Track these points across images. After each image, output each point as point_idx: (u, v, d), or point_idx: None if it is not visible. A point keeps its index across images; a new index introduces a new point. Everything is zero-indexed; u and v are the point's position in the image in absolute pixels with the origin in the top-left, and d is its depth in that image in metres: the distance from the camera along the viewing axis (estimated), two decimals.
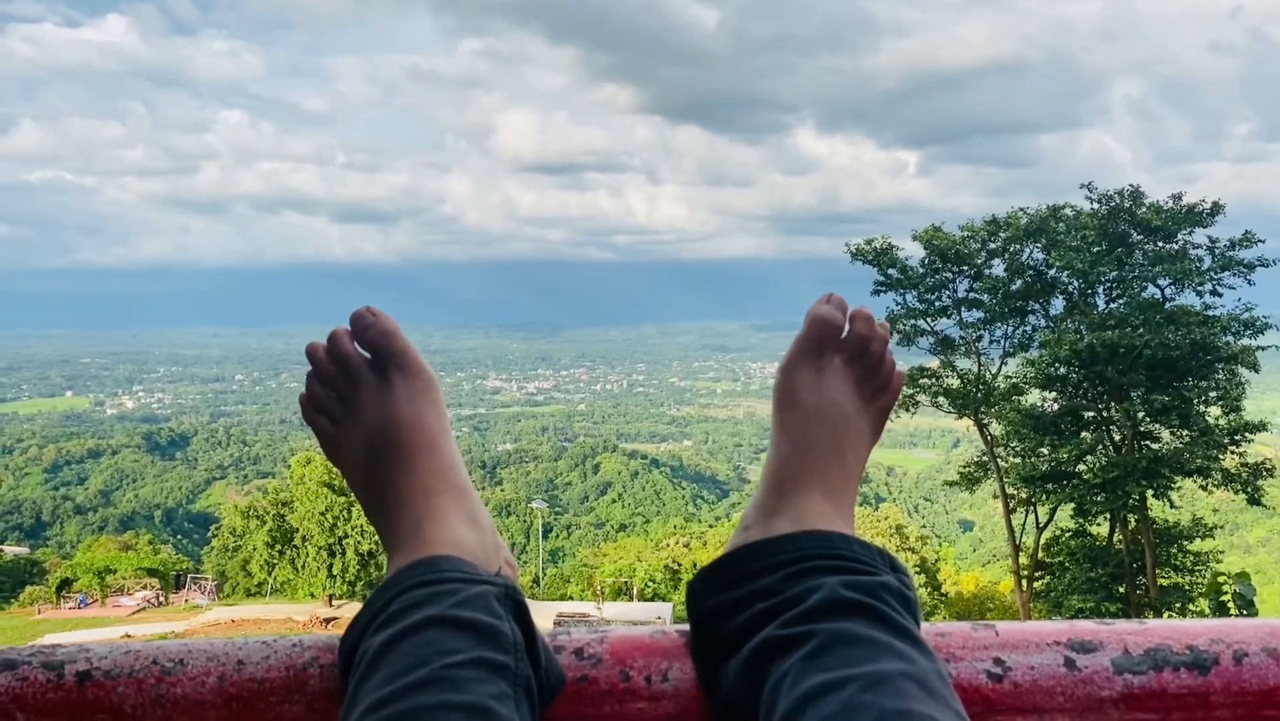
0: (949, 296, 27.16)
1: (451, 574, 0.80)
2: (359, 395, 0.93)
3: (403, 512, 0.89)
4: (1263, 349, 23.36)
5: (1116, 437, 24.88)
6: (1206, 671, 0.82)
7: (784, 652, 0.74)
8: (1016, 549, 27.24)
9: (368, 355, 0.94)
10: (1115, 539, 25.63)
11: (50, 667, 0.80)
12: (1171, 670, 0.82)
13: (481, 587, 0.78)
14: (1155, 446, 24.29)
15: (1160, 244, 24.37)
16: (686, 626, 0.87)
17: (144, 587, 38.27)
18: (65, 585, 37.66)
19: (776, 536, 0.84)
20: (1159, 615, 21.70)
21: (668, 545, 46.07)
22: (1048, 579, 26.58)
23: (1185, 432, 23.81)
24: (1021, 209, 26.13)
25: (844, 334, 0.93)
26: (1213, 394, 23.62)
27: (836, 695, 0.69)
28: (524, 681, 0.73)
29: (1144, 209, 24.32)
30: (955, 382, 27.20)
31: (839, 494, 0.90)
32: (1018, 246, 25.96)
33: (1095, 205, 24.87)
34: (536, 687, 0.75)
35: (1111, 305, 25.15)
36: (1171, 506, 24.86)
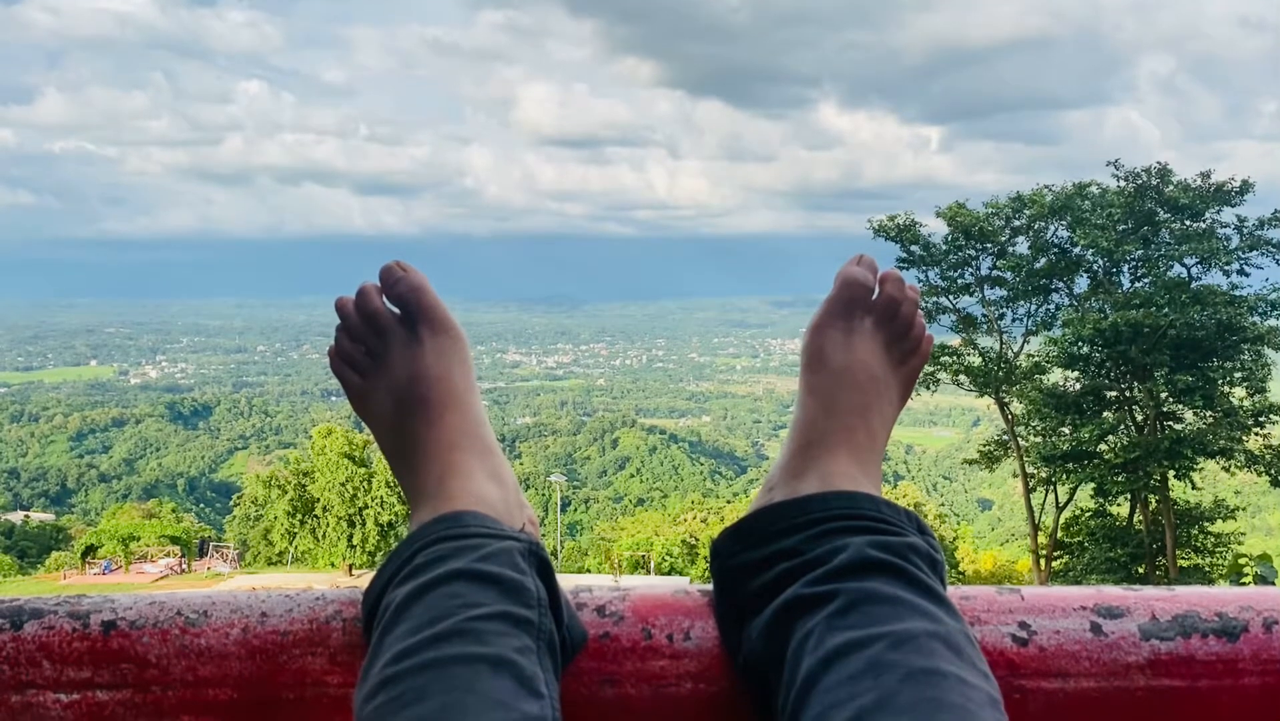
0: (971, 274, 26.99)
1: (476, 528, 0.80)
2: (388, 350, 0.94)
3: (427, 467, 0.89)
4: None
5: (1139, 418, 24.72)
6: (1235, 638, 0.82)
7: (809, 611, 0.74)
8: (1035, 528, 27.17)
9: (396, 310, 0.95)
10: (1135, 519, 25.53)
11: (76, 617, 0.81)
12: (1200, 637, 0.81)
13: (506, 543, 0.79)
14: (1178, 427, 24.12)
15: (1187, 222, 24.10)
16: (708, 586, 0.87)
17: (167, 555, 38.72)
18: (90, 551, 38.11)
19: (802, 496, 0.84)
20: None
21: (685, 520, 46.12)
22: (1066, 558, 26.52)
23: (1209, 413, 23.65)
24: (1047, 186, 25.88)
25: (874, 296, 0.93)
26: (1238, 375, 23.44)
27: (862, 653, 0.68)
28: (547, 636, 0.73)
29: (1171, 187, 24.04)
30: (977, 361, 27.06)
31: (865, 456, 0.89)
32: (1042, 224, 25.73)
33: (1122, 183, 24.61)
34: (559, 643, 0.75)
35: (1136, 284, 24.93)
36: (1193, 487, 24.73)
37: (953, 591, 0.83)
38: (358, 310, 0.95)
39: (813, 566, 0.77)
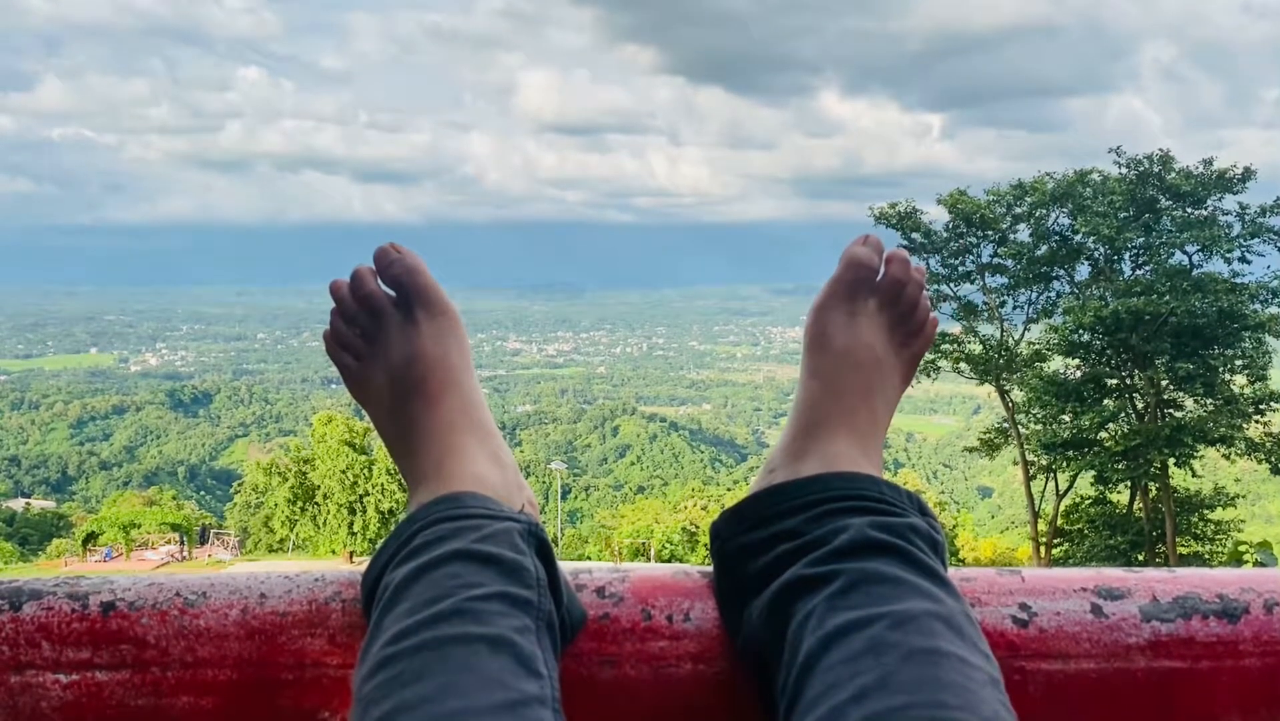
0: (973, 261, 26.94)
1: (475, 509, 0.80)
2: (383, 332, 0.93)
3: (426, 449, 0.89)
4: None
5: (1139, 405, 24.72)
6: (1236, 620, 0.81)
7: (810, 591, 0.74)
8: (1035, 516, 27.20)
9: (392, 292, 0.94)
10: (1135, 507, 25.56)
11: (75, 598, 0.81)
12: (1200, 618, 0.81)
13: (505, 524, 0.78)
14: (1178, 415, 24.12)
15: (1189, 210, 24.04)
16: (708, 568, 0.87)
17: (168, 542, 38.78)
18: (91, 538, 38.21)
19: (804, 478, 0.83)
20: None
21: (685, 508, 46.15)
22: (1066, 546, 26.56)
23: (1209, 401, 23.65)
24: (1048, 173, 25.80)
25: (879, 277, 0.92)
26: (1238, 362, 23.43)
27: (863, 633, 0.68)
28: (546, 616, 0.73)
29: (1173, 174, 23.98)
30: (977, 348, 27.02)
31: (867, 438, 0.89)
32: (1044, 211, 25.66)
33: (1124, 170, 24.54)
34: (559, 624, 0.75)
35: (1138, 271, 24.89)
36: (1193, 475, 24.74)
37: (953, 573, 0.82)
38: (352, 292, 0.94)
39: (814, 547, 0.77)
